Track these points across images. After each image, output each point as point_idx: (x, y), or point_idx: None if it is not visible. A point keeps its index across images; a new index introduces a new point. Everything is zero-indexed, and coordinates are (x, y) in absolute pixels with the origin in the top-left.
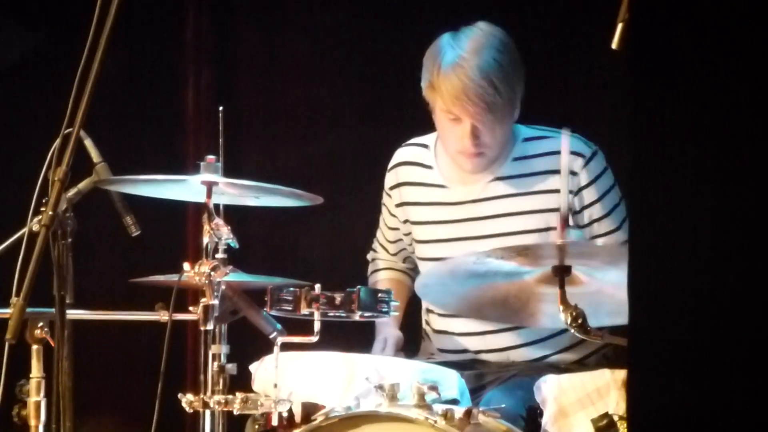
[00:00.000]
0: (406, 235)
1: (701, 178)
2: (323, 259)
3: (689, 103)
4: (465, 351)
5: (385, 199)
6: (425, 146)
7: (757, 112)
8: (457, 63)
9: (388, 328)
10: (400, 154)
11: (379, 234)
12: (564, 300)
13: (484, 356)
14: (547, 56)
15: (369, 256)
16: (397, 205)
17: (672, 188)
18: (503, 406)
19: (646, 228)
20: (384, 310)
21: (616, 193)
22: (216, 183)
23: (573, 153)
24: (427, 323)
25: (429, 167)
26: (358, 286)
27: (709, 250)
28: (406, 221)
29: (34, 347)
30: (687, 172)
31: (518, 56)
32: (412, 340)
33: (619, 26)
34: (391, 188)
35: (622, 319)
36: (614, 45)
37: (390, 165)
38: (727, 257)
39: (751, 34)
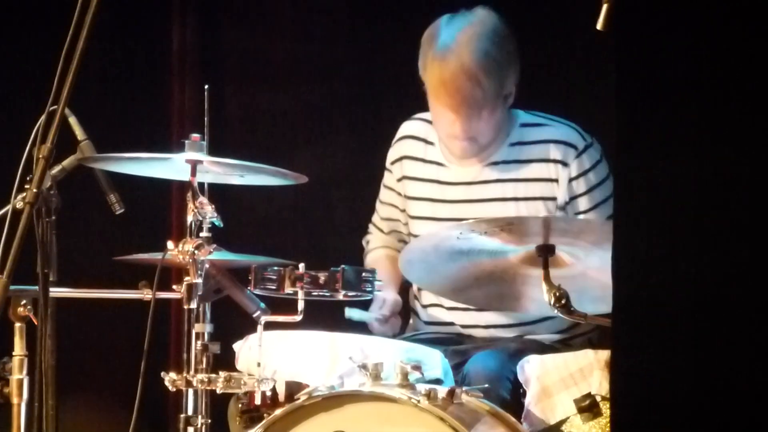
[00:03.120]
0: (403, 211)
1: (685, 155)
2: (307, 238)
3: (673, 82)
4: (452, 324)
5: (385, 177)
6: (429, 122)
7: (739, 93)
8: (443, 54)
9: (387, 292)
10: (405, 128)
11: (374, 216)
12: (548, 280)
13: (470, 331)
14: (550, 42)
15: (363, 241)
16: (399, 180)
17: (656, 165)
18: (486, 386)
19: (629, 205)
20: (368, 289)
21: (608, 187)
22: (200, 161)
23: (565, 143)
24: (416, 298)
25: (431, 143)
26: (342, 266)
27: (693, 229)
28: (405, 197)
29: (17, 325)
30: (671, 150)
31: (513, 46)
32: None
33: (605, 7)
34: (393, 163)
35: (605, 306)
36: (599, 26)
37: (395, 138)
38: (712, 235)
39: (735, 18)
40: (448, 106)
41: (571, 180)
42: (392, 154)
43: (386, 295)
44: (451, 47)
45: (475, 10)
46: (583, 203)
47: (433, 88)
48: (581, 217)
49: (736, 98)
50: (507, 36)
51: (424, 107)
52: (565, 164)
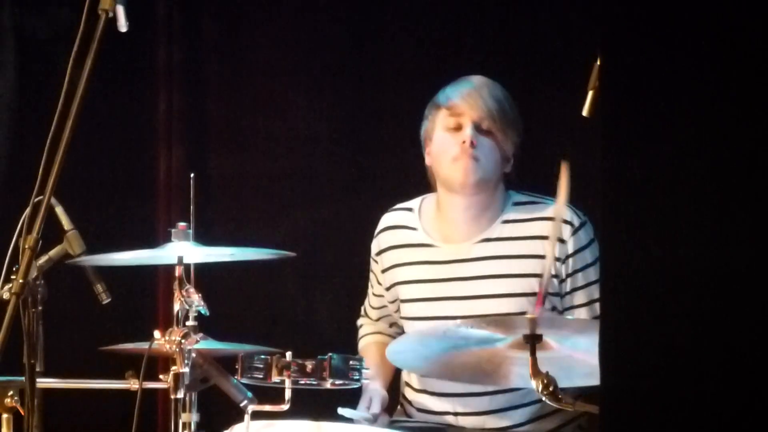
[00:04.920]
0: (392, 302)
1: (673, 243)
2: (295, 326)
3: (660, 169)
4: (444, 413)
5: (372, 265)
6: (409, 209)
7: (729, 177)
8: (475, 82)
9: (374, 386)
10: (385, 220)
11: (366, 301)
12: (535, 368)
13: (460, 419)
14: (544, 124)
15: (358, 323)
16: (383, 271)
17: (644, 253)
18: None
19: (617, 296)
20: (355, 377)
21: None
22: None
23: (563, 221)
24: (408, 384)
25: (413, 229)
26: (330, 354)
27: (681, 318)
28: (392, 285)
29: (4, 416)
30: (659, 237)
31: (516, 109)
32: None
33: (590, 94)
34: (377, 254)
35: (595, 380)
36: (585, 112)
37: (377, 230)
38: (704, 321)
39: (719, 104)
40: (473, 110)
41: (568, 257)
42: (375, 245)
43: (373, 393)
44: (474, 86)
45: (477, 76)
46: (578, 280)
47: (458, 99)
48: (575, 294)
49: (725, 181)
50: (511, 99)
51: (411, 190)
52: (562, 241)
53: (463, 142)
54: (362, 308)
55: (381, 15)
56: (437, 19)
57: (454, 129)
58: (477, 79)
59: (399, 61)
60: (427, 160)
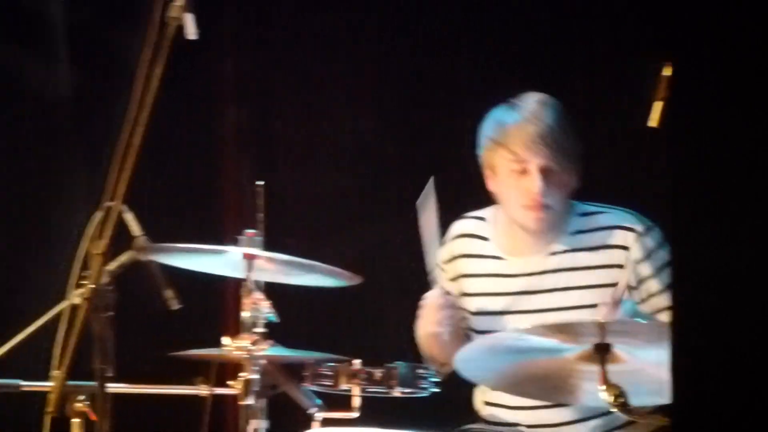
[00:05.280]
0: None
1: (744, 254)
2: (364, 333)
3: (728, 180)
4: (517, 425)
5: (437, 273)
6: (482, 219)
7: None
8: (529, 114)
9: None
10: (457, 227)
11: None
12: (605, 379)
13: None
14: (609, 135)
15: None
16: (452, 279)
17: (715, 265)
18: None
19: (688, 306)
20: (423, 386)
21: None
22: (256, 256)
23: (625, 228)
24: (482, 402)
25: (486, 239)
26: (398, 362)
27: (754, 329)
28: (461, 295)
29: (75, 420)
30: (730, 249)
31: (573, 127)
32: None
33: (657, 104)
34: (446, 262)
35: (662, 398)
36: (652, 123)
37: (447, 237)
38: None
39: None
40: (542, 155)
41: (637, 263)
42: (445, 253)
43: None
44: (532, 111)
45: (531, 94)
46: (654, 285)
47: (523, 144)
48: (653, 300)
49: None
50: (570, 116)
51: (477, 201)
52: (626, 248)
53: (532, 191)
54: None
55: (448, 32)
56: (504, 32)
57: (520, 173)
58: (531, 108)
59: (467, 76)
60: (490, 185)
